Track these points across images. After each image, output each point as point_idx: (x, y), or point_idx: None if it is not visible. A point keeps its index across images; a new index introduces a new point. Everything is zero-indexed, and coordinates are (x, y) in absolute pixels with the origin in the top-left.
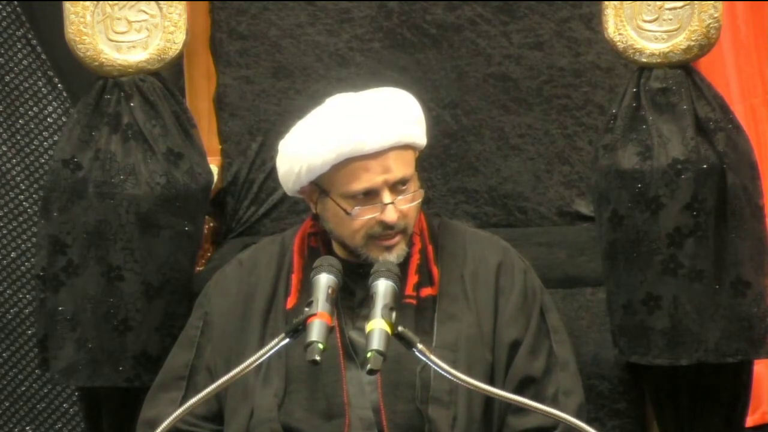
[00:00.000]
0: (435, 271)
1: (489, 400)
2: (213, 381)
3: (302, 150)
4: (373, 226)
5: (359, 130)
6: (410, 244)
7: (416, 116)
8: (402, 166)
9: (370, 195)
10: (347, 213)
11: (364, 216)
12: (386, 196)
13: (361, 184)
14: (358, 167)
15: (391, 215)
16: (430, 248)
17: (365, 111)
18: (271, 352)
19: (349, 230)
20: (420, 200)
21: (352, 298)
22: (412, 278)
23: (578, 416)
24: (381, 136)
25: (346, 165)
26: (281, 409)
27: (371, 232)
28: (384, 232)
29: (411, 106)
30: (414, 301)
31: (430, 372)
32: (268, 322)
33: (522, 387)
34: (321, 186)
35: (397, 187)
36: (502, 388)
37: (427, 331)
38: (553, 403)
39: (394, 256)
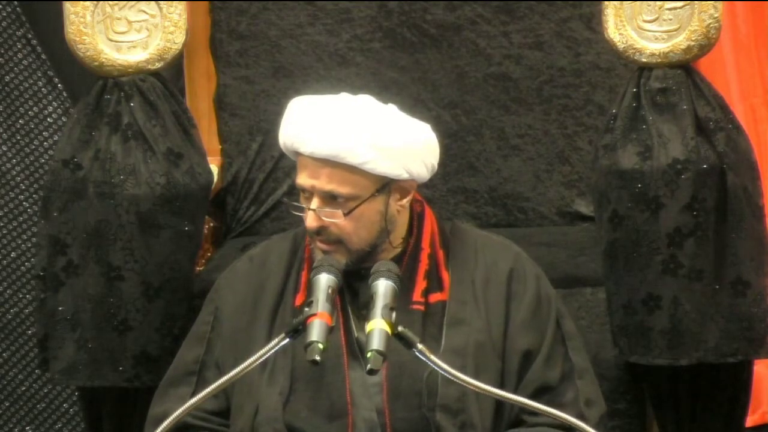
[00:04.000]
0: (445, 276)
1: (499, 407)
2: (222, 376)
3: (279, 130)
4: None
5: (300, 131)
6: (419, 250)
7: (384, 144)
8: (336, 182)
9: (307, 194)
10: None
11: (296, 212)
12: (313, 202)
13: (298, 179)
14: (302, 163)
15: (308, 220)
16: (440, 253)
17: (319, 115)
18: (271, 351)
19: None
20: (363, 221)
21: (357, 299)
22: (420, 284)
23: (598, 426)
24: (317, 144)
25: (297, 157)
26: (286, 408)
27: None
28: (314, 234)
29: (386, 133)
30: (422, 307)
31: (437, 378)
32: (276, 318)
33: (537, 395)
34: None
35: (328, 198)
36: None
37: (435, 336)
38: (570, 409)
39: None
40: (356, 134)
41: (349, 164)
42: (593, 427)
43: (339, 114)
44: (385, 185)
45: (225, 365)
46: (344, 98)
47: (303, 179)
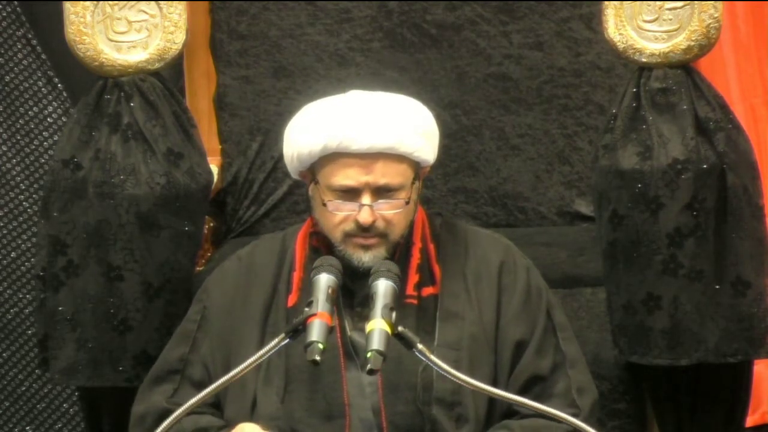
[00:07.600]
0: (437, 269)
1: (493, 399)
2: (209, 375)
3: (298, 137)
4: (350, 224)
5: (351, 128)
6: (410, 244)
7: (424, 130)
8: (390, 174)
9: (352, 193)
10: (323, 204)
11: (338, 211)
12: (365, 198)
13: (342, 180)
14: (344, 163)
15: (365, 216)
16: (431, 247)
17: (365, 111)
18: (271, 352)
19: (329, 223)
20: (405, 211)
21: (352, 299)
22: (413, 278)
23: (592, 414)
24: (371, 139)
25: (334, 159)
26: (282, 409)
27: (348, 229)
28: (359, 231)
29: (421, 119)
30: (415, 301)
31: (432, 373)
32: (268, 319)
33: (528, 386)
34: (314, 172)
35: (381, 192)
36: (506, 387)
37: (428, 330)
38: (563, 399)
39: (368, 257)
40: (407, 124)
41: (400, 154)
42: (587, 414)
43: (383, 107)
44: (417, 172)
45: (215, 364)
46: (368, 94)
47: (352, 178)
